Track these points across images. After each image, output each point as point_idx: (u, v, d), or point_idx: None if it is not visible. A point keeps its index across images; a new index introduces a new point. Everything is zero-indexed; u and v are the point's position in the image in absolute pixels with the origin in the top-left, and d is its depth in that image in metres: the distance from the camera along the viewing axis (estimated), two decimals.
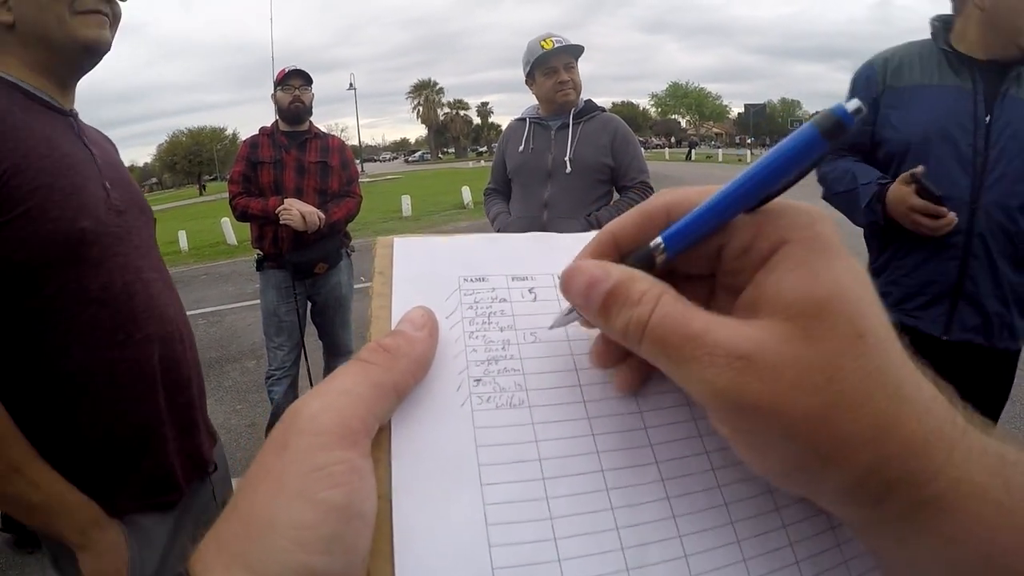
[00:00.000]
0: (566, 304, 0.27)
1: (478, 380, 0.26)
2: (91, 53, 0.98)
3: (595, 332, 0.27)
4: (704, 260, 0.25)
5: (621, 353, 0.26)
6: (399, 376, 0.24)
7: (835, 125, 0.20)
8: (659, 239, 0.24)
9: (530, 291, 0.30)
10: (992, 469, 0.20)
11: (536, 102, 2.51)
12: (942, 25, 1.53)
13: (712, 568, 0.23)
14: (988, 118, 1.41)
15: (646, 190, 2.38)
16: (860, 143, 1.59)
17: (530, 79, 2.44)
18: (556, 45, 2.34)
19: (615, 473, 0.25)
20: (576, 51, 2.39)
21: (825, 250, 0.21)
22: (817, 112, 0.21)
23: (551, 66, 2.34)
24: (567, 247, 0.30)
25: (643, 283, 0.23)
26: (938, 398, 0.21)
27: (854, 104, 0.20)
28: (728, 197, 0.23)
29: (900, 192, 1.43)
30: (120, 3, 1.01)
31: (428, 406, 0.25)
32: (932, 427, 0.20)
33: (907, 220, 1.44)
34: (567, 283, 0.25)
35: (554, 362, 0.27)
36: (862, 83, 1.59)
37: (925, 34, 1.57)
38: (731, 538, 0.24)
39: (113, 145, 1.18)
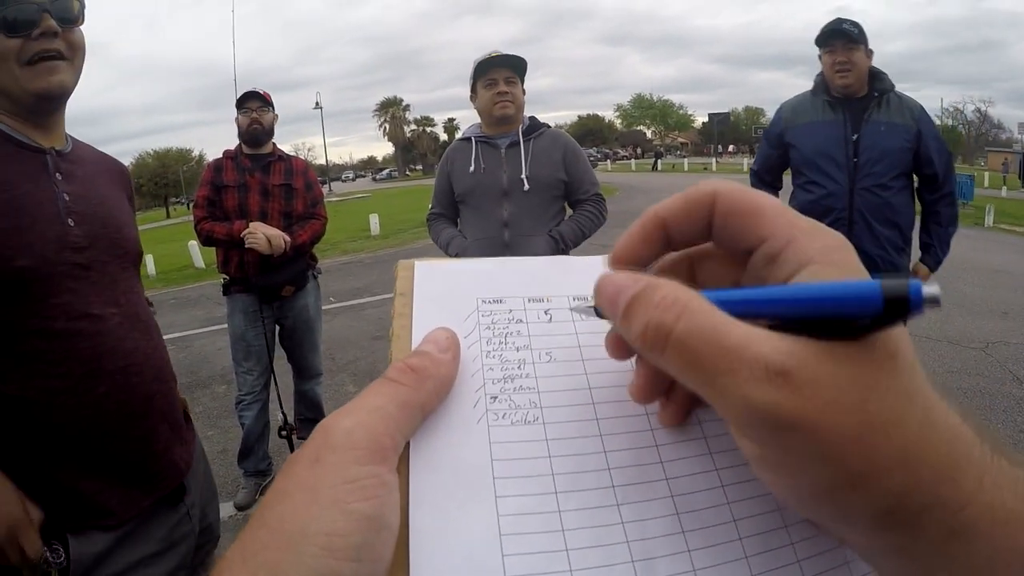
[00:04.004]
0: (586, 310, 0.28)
1: (494, 397, 0.27)
2: (48, 99, 1.01)
3: (624, 365, 0.28)
4: (730, 263, 0.25)
5: (662, 387, 0.26)
6: (425, 396, 0.25)
7: (900, 298, 0.18)
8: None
9: (546, 312, 0.30)
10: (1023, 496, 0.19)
11: (479, 120, 2.45)
12: (821, 79, 2.48)
13: None
14: (856, 136, 2.36)
15: (599, 202, 2.42)
16: (776, 164, 2.62)
17: (473, 93, 2.39)
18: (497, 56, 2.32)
19: (625, 489, 0.25)
20: (516, 63, 2.34)
21: (855, 274, 0.21)
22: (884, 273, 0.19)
23: (491, 77, 2.30)
24: (584, 270, 0.31)
25: (667, 288, 0.22)
26: (965, 424, 0.20)
27: (934, 290, 0.18)
28: (756, 303, 0.22)
29: None
30: (79, 27, 1.02)
31: (446, 422, 0.26)
32: (961, 452, 0.19)
33: None
34: (598, 291, 0.24)
35: (568, 381, 0.28)
36: (774, 124, 2.61)
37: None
38: (739, 554, 0.24)
39: (119, 173, 1.22)
